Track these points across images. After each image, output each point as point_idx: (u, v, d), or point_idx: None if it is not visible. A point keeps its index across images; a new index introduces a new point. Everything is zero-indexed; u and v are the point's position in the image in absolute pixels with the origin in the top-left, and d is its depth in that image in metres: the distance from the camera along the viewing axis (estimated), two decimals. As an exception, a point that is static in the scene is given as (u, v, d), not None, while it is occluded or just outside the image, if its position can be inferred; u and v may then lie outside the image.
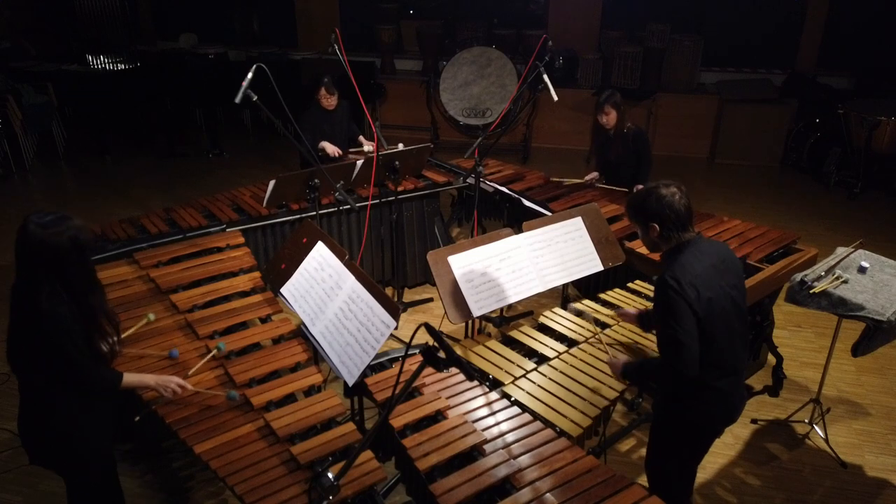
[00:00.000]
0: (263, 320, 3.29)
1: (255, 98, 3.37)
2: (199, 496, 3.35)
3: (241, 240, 3.90)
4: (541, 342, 3.19)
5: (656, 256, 2.61)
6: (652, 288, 3.54)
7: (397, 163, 4.43)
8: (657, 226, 2.40)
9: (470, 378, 2.07)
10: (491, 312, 3.35)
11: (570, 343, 3.18)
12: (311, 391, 2.83)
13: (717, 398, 2.47)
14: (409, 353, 2.24)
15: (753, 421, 3.85)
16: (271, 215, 4.34)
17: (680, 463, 2.67)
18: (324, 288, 3.04)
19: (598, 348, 3.11)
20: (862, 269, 3.40)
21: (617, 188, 4.73)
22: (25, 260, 2.25)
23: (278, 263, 3.41)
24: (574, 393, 2.82)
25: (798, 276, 3.37)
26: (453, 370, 2.75)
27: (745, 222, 4.28)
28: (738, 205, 6.74)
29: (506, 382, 2.90)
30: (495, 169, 5.31)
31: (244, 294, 3.46)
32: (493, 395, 2.77)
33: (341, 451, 2.46)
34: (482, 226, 5.26)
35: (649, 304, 3.43)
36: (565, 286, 3.87)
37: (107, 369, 2.54)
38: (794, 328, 4.77)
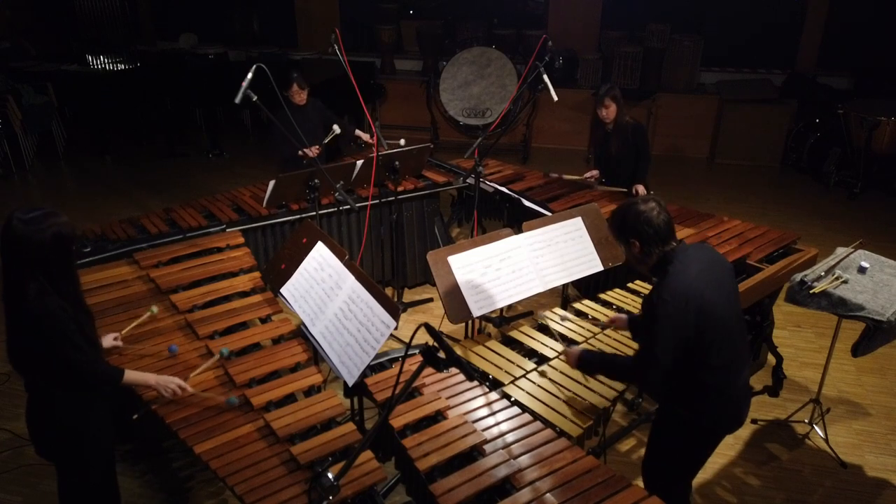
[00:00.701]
0: (263, 320, 3.29)
1: (254, 98, 3.37)
2: (199, 496, 3.35)
3: (241, 240, 3.90)
4: (541, 342, 3.19)
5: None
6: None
7: (397, 163, 4.43)
8: (637, 242, 2.40)
9: (470, 378, 2.07)
10: (491, 312, 3.35)
11: (570, 343, 3.18)
12: (311, 391, 2.83)
13: (723, 402, 2.46)
14: (409, 353, 2.24)
15: (753, 421, 3.85)
16: (271, 215, 4.34)
17: (683, 467, 2.65)
18: (324, 288, 3.04)
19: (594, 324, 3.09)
20: (862, 270, 3.40)
21: (616, 189, 4.72)
22: (9, 257, 2.25)
23: (278, 263, 3.41)
24: (574, 393, 2.82)
25: (798, 277, 3.37)
26: (453, 370, 2.75)
27: (745, 222, 4.27)
28: (738, 205, 6.74)
29: (506, 382, 2.90)
30: (495, 169, 5.31)
31: (244, 294, 3.46)
32: (493, 395, 2.77)
33: (341, 451, 2.46)
34: (482, 226, 5.26)
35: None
36: (565, 286, 3.87)
37: (108, 364, 2.55)
38: (794, 328, 4.77)
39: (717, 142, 8.13)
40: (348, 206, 4.30)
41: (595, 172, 4.88)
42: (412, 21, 9.09)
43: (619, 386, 2.85)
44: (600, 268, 3.56)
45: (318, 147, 4.81)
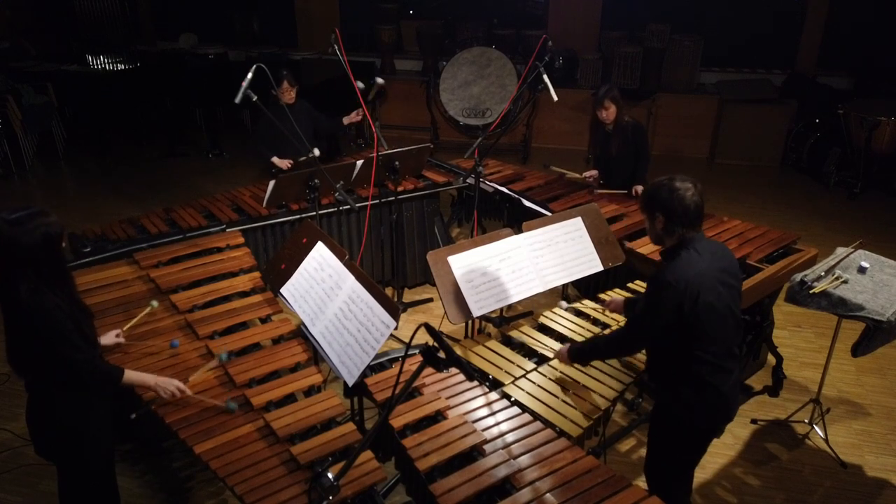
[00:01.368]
0: (263, 320, 3.29)
1: (254, 98, 3.37)
2: (199, 496, 3.35)
3: (241, 240, 3.90)
4: (541, 342, 3.19)
5: (656, 256, 2.63)
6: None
7: (397, 163, 4.43)
8: (662, 217, 2.41)
9: (470, 378, 2.07)
10: (491, 312, 3.35)
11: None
12: (311, 391, 2.83)
13: (715, 397, 2.48)
14: (409, 353, 2.24)
15: (753, 421, 3.85)
16: (271, 215, 4.34)
17: (679, 464, 2.67)
18: (324, 288, 3.04)
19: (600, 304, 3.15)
20: (862, 270, 3.40)
21: (615, 191, 4.72)
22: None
23: (278, 263, 3.41)
24: (574, 393, 2.82)
25: (798, 277, 3.37)
26: (453, 370, 2.75)
27: (745, 222, 4.27)
28: (738, 205, 6.73)
29: (506, 382, 2.90)
30: (495, 169, 5.31)
31: (244, 294, 3.46)
32: (493, 395, 2.77)
33: (341, 451, 2.46)
34: (482, 226, 5.26)
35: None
36: (565, 286, 3.87)
37: (107, 364, 2.55)
38: (794, 328, 4.77)
39: (717, 142, 8.13)
40: (348, 206, 4.30)
41: (594, 172, 4.87)
42: (412, 21, 9.09)
43: (619, 386, 2.85)
44: (600, 268, 3.56)
45: (290, 161, 4.81)
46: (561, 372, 2.95)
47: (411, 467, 2.41)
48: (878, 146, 6.88)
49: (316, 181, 4.09)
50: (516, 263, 3.31)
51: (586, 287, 4.32)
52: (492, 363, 3.03)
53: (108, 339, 2.83)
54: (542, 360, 3.08)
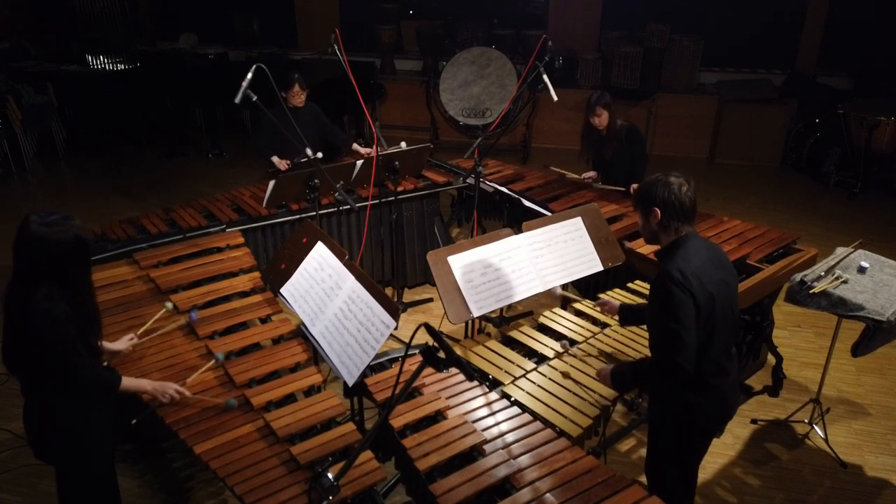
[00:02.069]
0: (263, 320, 3.29)
1: (254, 98, 3.37)
2: (199, 496, 3.35)
3: (241, 240, 3.90)
4: (541, 342, 3.19)
5: (653, 257, 2.61)
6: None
7: (397, 163, 4.43)
8: (659, 211, 2.41)
9: (470, 378, 2.07)
10: (491, 312, 3.35)
11: (570, 343, 3.18)
12: (311, 391, 2.83)
13: (713, 396, 2.48)
14: (409, 353, 2.24)
15: (753, 421, 3.85)
16: (271, 215, 4.34)
17: (681, 464, 2.67)
18: (323, 288, 3.04)
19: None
20: (862, 269, 3.40)
21: (615, 188, 4.72)
22: (26, 259, 2.24)
23: (278, 263, 3.41)
24: (574, 393, 2.82)
25: (798, 276, 3.37)
26: (453, 370, 2.75)
27: (745, 222, 4.28)
28: (738, 205, 6.73)
29: (506, 382, 2.90)
30: (495, 169, 5.31)
31: (244, 294, 3.46)
32: (493, 395, 2.77)
33: (341, 451, 2.46)
34: (482, 226, 5.26)
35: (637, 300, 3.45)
36: (565, 286, 3.87)
37: (105, 370, 2.54)
38: (794, 328, 4.77)
39: (717, 142, 8.13)
40: (348, 206, 4.30)
41: (593, 174, 4.89)
42: (412, 21, 9.09)
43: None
44: (600, 268, 3.56)
45: (288, 161, 4.79)
46: (561, 372, 2.95)
47: (411, 467, 2.41)
48: (878, 146, 6.88)
49: (316, 181, 4.09)
50: (516, 263, 3.31)
51: (586, 287, 4.32)
52: (492, 363, 3.03)
53: (122, 343, 2.83)
54: (542, 359, 3.08)
